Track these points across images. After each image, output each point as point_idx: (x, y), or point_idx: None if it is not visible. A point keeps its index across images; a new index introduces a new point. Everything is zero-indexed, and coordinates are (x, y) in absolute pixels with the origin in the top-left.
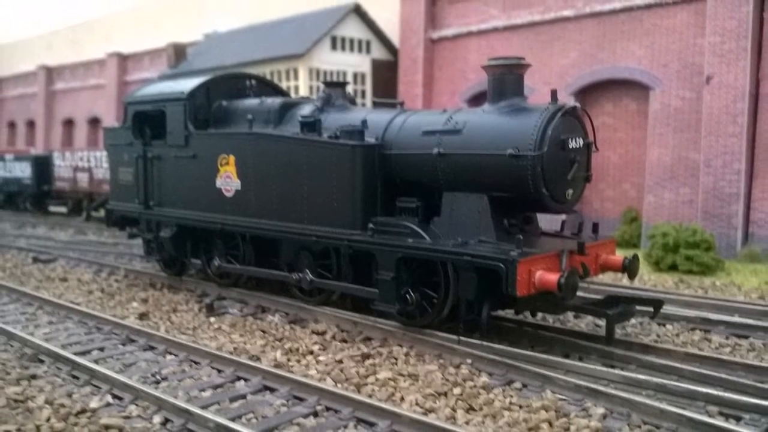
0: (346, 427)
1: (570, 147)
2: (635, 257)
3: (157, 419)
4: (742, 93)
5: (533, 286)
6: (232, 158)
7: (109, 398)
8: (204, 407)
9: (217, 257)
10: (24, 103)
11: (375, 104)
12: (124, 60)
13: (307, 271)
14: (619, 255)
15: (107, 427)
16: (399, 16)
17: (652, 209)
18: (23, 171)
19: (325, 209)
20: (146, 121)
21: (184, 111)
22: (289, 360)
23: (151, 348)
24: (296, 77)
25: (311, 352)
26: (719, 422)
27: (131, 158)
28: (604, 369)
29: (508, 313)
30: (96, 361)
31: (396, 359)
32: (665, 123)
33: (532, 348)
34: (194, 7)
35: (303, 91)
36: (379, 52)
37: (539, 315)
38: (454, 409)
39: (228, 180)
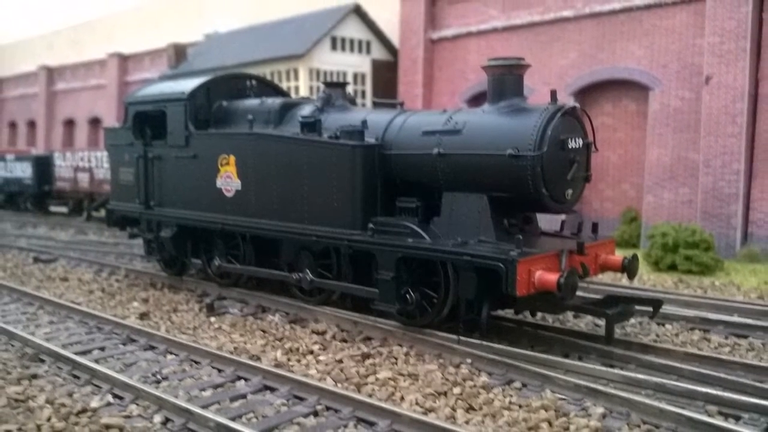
0: (346, 426)
1: (569, 147)
2: (634, 257)
3: (157, 419)
4: (741, 93)
5: (533, 286)
6: (232, 158)
7: (109, 398)
8: (204, 407)
9: (217, 257)
10: (25, 104)
11: (375, 104)
12: (124, 60)
13: (308, 270)
14: (619, 255)
15: (108, 426)
16: (399, 17)
17: (652, 209)
18: (24, 171)
19: (326, 209)
20: (147, 122)
21: (184, 111)
22: (289, 360)
23: (152, 348)
24: (296, 77)
25: (311, 352)
26: (718, 422)
27: (132, 158)
28: (604, 368)
29: (508, 312)
30: (97, 361)
31: (396, 359)
32: (664, 123)
33: (531, 348)
34: (195, 8)
35: (303, 92)
36: (379, 52)
37: (539, 315)
38: (453, 409)
39: (228, 180)
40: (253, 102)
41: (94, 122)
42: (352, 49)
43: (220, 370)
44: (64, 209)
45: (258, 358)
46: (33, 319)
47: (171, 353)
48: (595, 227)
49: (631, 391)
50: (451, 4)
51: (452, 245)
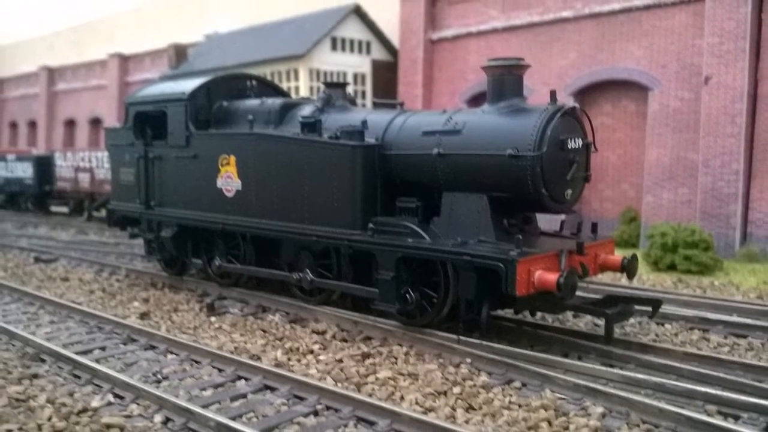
0: (346, 426)
1: (569, 147)
2: (634, 257)
3: (158, 418)
4: (740, 93)
5: (532, 286)
6: (232, 158)
7: (110, 397)
8: (205, 406)
9: (217, 257)
10: (26, 104)
11: (375, 105)
12: (125, 61)
13: (308, 270)
14: (618, 255)
15: (108, 426)
16: (399, 17)
17: (651, 209)
18: (25, 171)
19: (326, 209)
20: (147, 122)
21: (185, 111)
22: (289, 359)
23: (152, 347)
24: (297, 78)
25: (311, 352)
26: (718, 421)
27: (132, 158)
28: (603, 368)
29: (508, 312)
30: (97, 361)
31: (396, 358)
32: (664, 123)
33: (531, 347)
34: (195, 8)
35: (303, 92)
36: (379, 52)
37: (538, 314)
38: (453, 408)
39: (229, 180)
40: (253, 102)
41: (95, 122)
42: (352, 50)
43: (220, 370)
44: (64, 209)
45: (258, 358)
46: (34, 318)
47: (171, 353)
48: (594, 227)
49: (630, 391)
50: (451, 5)
51: (452, 245)
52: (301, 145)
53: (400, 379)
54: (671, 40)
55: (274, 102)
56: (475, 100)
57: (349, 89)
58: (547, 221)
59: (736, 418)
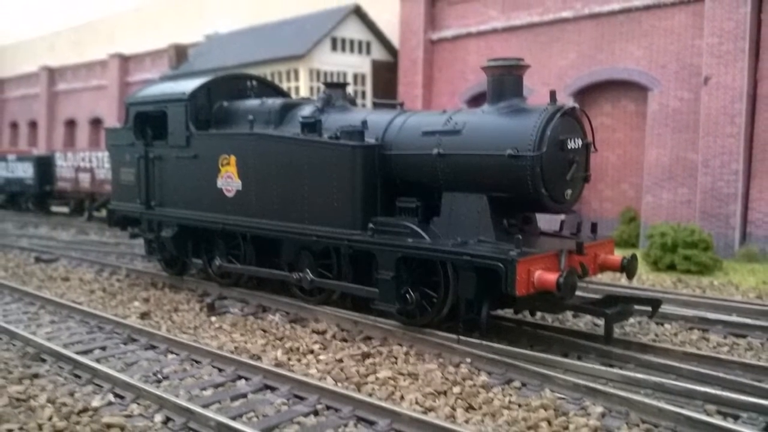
0: (346, 425)
1: (569, 147)
2: (634, 257)
3: (158, 418)
4: (739, 94)
5: (532, 286)
6: (233, 158)
7: (110, 397)
8: (205, 406)
9: (218, 257)
10: (26, 104)
11: (375, 105)
12: (125, 61)
13: (308, 270)
14: (618, 255)
15: (109, 425)
16: (399, 18)
17: (651, 209)
18: (25, 171)
19: (326, 209)
20: (148, 122)
21: (185, 111)
22: (289, 359)
23: (153, 347)
24: (297, 78)
25: (312, 351)
26: (717, 421)
27: (133, 159)
28: (603, 368)
29: (508, 312)
30: (98, 360)
31: (396, 358)
32: (663, 123)
33: (531, 347)
34: (195, 9)
35: (303, 92)
36: (379, 53)
37: (538, 314)
38: (453, 408)
39: (229, 180)
40: (253, 102)
41: (96, 123)
42: (352, 50)
43: (220, 370)
44: (65, 209)
45: (258, 358)
46: (34, 318)
47: (172, 353)
48: (594, 227)
49: (630, 391)
50: (450, 5)
51: (452, 245)
52: (301, 145)
53: (400, 378)
54: (671, 41)
55: (274, 102)
56: (475, 101)
57: (349, 89)
58: (546, 221)
59: (736, 417)
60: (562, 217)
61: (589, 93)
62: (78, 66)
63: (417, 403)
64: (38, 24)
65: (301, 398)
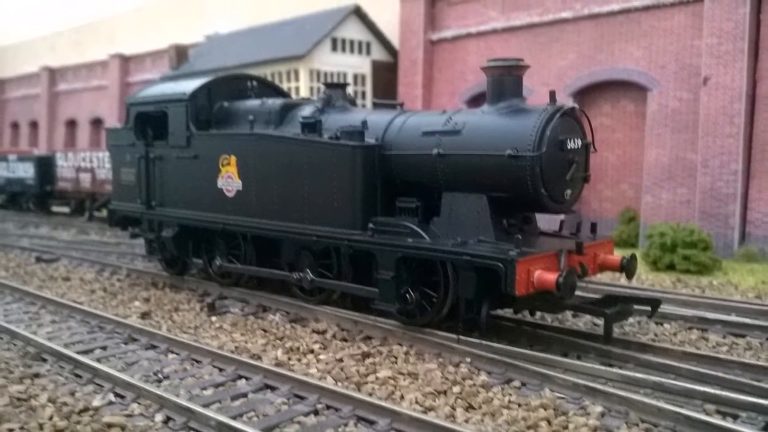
0: (346, 425)
1: (568, 147)
2: (633, 257)
3: (158, 417)
4: (739, 94)
5: (532, 286)
6: (233, 159)
7: (111, 397)
8: (205, 405)
9: (218, 257)
10: (27, 104)
11: (375, 105)
12: (126, 61)
13: (308, 270)
14: (617, 254)
15: (110, 425)
16: (399, 18)
17: (650, 209)
18: (26, 171)
19: (326, 209)
20: (148, 122)
21: (185, 112)
22: (289, 359)
23: (153, 347)
24: (297, 78)
25: (312, 351)
26: (717, 420)
27: (133, 159)
28: (602, 368)
29: (507, 312)
30: (98, 360)
31: (396, 358)
32: (663, 124)
33: (530, 347)
34: (195, 9)
35: (304, 92)
36: (379, 53)
37: (538, 314)
38: (453, 408)
39: (229, 180)
40: (253, 103)
41: (96, 123)
42: (352, 50)
43: (221, 369)
44: (66, 209)
45: (259, 357)
46: (35, 318)
47: (172, 352)
48: (593, 227)
49: (629, 390)
50: (450, 6)
51: (452, 245)
52: (301, 145)
53: (400, 378)
54: (670, 41)
55: (274, 102)
56: (475, 101)
57: (349, 90)
58: (546, 221)
59: (735, 417)
60: (562, 217)
61: (588, 93)
62: (79, 66)
63: (417, 402)
64: (39, 24)
65: (302, 398)
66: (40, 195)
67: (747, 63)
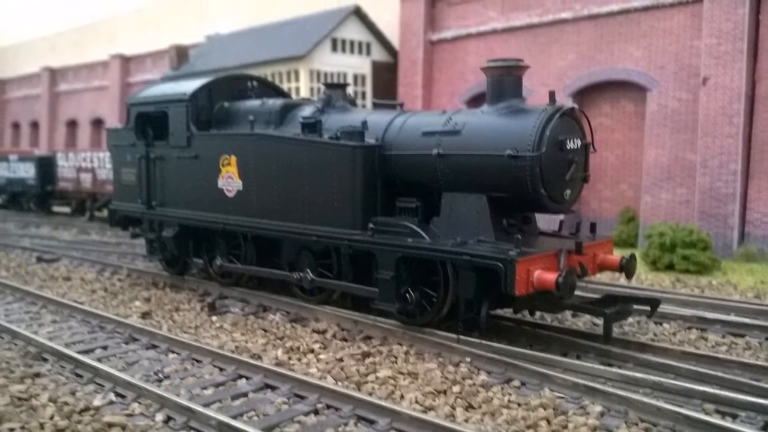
0: (346, 424)
1: (568, 148)
2: (632, 257)
3: (159, 417)
4: (738, 94)
5: (531, 286)
6: (233, 159)
7: (112, 396)
8: (206, 405)
9: (218, 257)
10: (28, 105)
11: (375, 105)
12: (126, 62)
13: (308, 270)
14: (617, 254)
15: (110, 424)
16: (399, 18)
17: (650, 209)
18: (27, 171)
19: (326, 209)
20: (149, 122)
21: (186, 112)
22: (290, 358)
23: (154, 346)
24: (297, 79)
25: (312, 351)
26: (716, 420)
27: (134, 159)
28: (602, 367)
29: (507, 312)
30: (99, 360)
31: (396, 358)
32: (662, 124)
33: (530, 346)
34: (196, 10)
35: (304, 93)
36: (379, 53)
37: (537, 314)
38: (453, 407)
39: (230, 180)
40: (254, 103)
41: (97, 123)
42: (352, 51)
43: (221, 369)
44: (66, 209)
45: (259, 357)
46: (36, 318)
47: (173, 352)
48: (593, 227)
49: (629, 390)
50: (450, 6)
51: (452, 245)
52: (301, 145)
53: (400, 378)
54: (669, 41)
55: (274, 103)
56: (475, 101)
57: (350, 90)
58: (546, 221)
59: (734, 416)
60: (561, 217)
61: (588, 93)
62: (79, 67)
63: (417, 402)
64: (40, 25)
65: (302, 397)
66: (41, 195)
67: (746, 63)
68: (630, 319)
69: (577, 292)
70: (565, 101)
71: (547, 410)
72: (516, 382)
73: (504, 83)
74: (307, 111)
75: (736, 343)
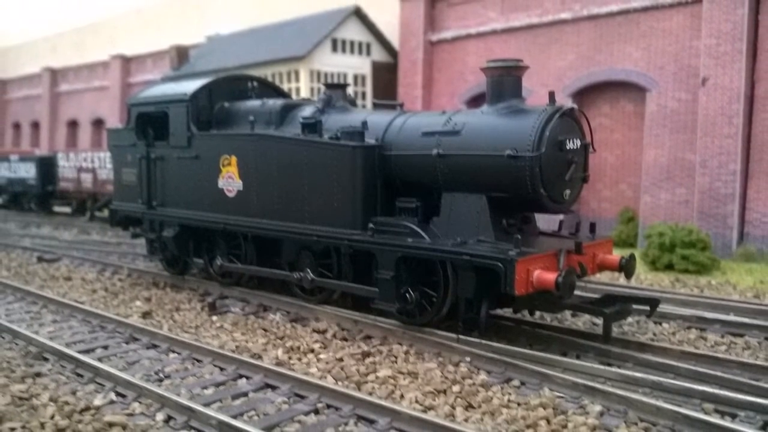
0: (346, 424)
1: (567, 148)
2: (632, 257)
3: (159, 416)
4: (737, 94)
5: (531, 285)
6: (234, 159)
7: (112, 396)
8: (206, 405)
9: (219, 257)
10: (29, 105)
11: (375, 106)
12: (127, 62)
13: (308, 270)
14: (616, 254)
15: (111, 424)
16: (399, 19)
17: (649, 209)
18: (28, 171)
19: (326, 209)
20: (149, 123)
21: (186, 112)
22: (290, 358)
23: (154, 346)
24: (297, 79)
25: (312, 351)
26: (715, 419)
27: (134, 159)
28: (602, 367)
29: (507, 311)
30: (100, 359)
31: (396, 357)
32: (661, 124)
33: (530, 346)
34: (196, 10)
35: (304, 93)
36: (379, 54)
37: (537, 313)
38: (453, 407)
39: (230, 180)
40: (254, 103)
41: (97, 123)
42: (352, 51)
43: (221, 369)
44: (67, 209)
45: (259, 357)
46: (37, 317)
47: (173, 352)
48: (592, 227)
49: (628, 389)
50: (450, 7)
51: (451, 245)
52: (301, 145)
53: (399, 377)
54: (669, 42)
55: (275, 103)
56: (475, 101)
57: (350, 90)
58: (545, 221)
59: (734, 416)
60: (561, 217)
61: (587, 94)
62: (80, 67)
63: (417, 401)
64: (40, 25)
65: (302, 397)
66: (42, 195)
67: (745, 64)
68: (629, 319)
69: (577, 292)
70: (565, 101)
71: (547, 410)
72: (516, 382)
73: (504, 83)
74: (307, 111)
75: (736, 343)
